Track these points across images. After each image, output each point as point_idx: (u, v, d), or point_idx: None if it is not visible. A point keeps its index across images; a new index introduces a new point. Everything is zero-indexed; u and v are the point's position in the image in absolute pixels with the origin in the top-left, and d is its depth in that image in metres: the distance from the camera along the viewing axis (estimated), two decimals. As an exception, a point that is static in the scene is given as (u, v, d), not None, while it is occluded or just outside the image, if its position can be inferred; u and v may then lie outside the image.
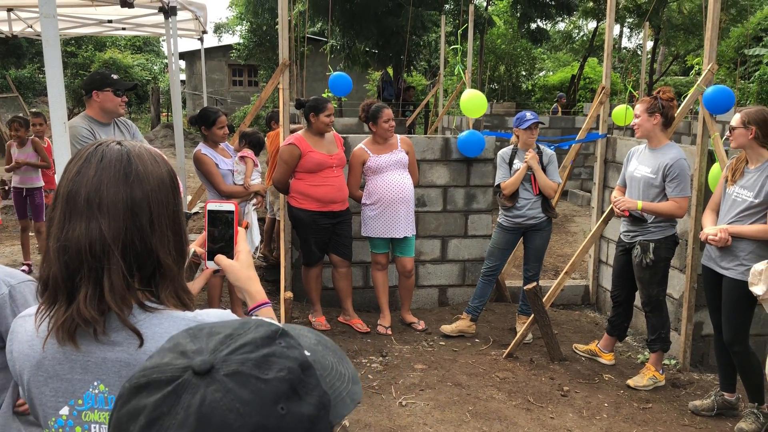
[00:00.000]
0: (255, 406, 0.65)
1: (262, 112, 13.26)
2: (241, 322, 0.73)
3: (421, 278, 6.02)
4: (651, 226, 4.38)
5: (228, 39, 29.46)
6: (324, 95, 5.71)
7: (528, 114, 5.17)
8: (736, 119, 3.79)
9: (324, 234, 5.18)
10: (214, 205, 1.50)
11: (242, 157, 5.29)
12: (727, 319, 3.89)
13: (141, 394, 0.68)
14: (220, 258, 1.47)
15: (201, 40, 7.95)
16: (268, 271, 6.61)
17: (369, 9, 14.20)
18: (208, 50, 17.37)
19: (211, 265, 1.49)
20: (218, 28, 30.41)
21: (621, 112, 6.94)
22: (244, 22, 20.10)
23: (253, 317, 1.44)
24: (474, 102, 6.09)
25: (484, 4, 17.45)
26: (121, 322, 1.15)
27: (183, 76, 25.70)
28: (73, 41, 21.66)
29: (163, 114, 22.30)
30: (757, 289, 3.59)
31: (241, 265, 1.47)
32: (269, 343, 0.69)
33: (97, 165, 1.18)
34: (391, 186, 5.13)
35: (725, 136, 4.63)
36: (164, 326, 1.18)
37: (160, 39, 30.02)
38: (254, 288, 1.46)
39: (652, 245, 4.36)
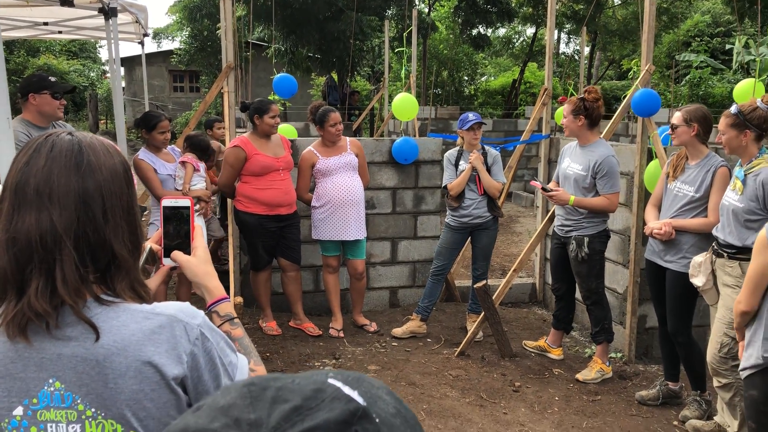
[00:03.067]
0: None
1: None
2: (314, 389, 0.58)
3: (372, 280, 6.02)
4: (584, 221, 4.51)
5: (167, 45, 28.94)
6: (270, 98, 5.66)
7: (470, 115, 5.26)
8: (677, 117, 3.91)
9: (271, 238, 5.12)
10: (170, 201, 1.48)
11: (183, 162, 5.19)
12: (671, 310, 4.02)
13: None
14: (177, 254, 1.44)
15: (142, 43, 7.76)
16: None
17: (310, 14, 14.17)
18: (147, 56, 17.02)
19: (167, 263, 1.46)
20: (157, 35, 29.81)
21: (561, 113, 7.10)
22: (185, 27, 19.77)
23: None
24: (405, 105, 6.13)
25: (426, 9, 17.63)
26: (76, 316, 1.12)
27: (122, 83, 25.07)
28: (3, 46, 20.86)
29: (102, 121, 21.71)
30: (697, 281, 3.72)
31: (199, 261, 1.44)
32: (344, 429, 0.54)
33: (47, 155, 1.15)
34: (341, 188, 5.12)
35: (663, 135, 4.80)
36: (121, 319, 1.15)
37: (97, 45, 29.23)
38: (212, 283, 1.44)
39: (586, 239, 4.49)
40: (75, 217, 1.13)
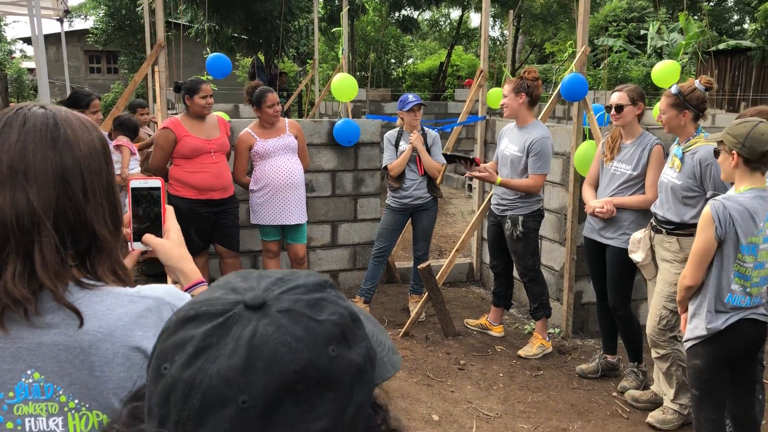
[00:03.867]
0: (307, 343, 0.64)
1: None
2: (291, 270, 0.73)
3: (312, 264, 5.95)
4: (518, 201, 4.62)
5: (80, 24, 27.56)
6: (203, 78, 5.46)
7: (410, 96, 5.26)
8: (622, 98, 3.98)
9: (204, 223, 4.97)
10: (138, 182, 1.40)
11: (117, 146, 4.96)
12: (612, 286, 4.14)
13: (189, 326, 0.66)
14: (149, 237, 1.37)
15: (61, 20, 7.34)
16: (148, 265, 6.27)
17: (236, -8, 13.78)
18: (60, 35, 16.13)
19: (138, 246, 1.38)
20: (68, 13, 28.34)
21: (494, 95, 7.18)
22: (101, 5, 18.84)
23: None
24: (345, 85, 6.02)
25: (354, -9, 17.47)
26: (57, 301, 1.03)
27: (31, 64, 23.75)
28: None
29: (12, 103, 20.51)
30: (636, 256, 3.85)
31: (173, 244, 1.38)
32: (320, 289, 0.70)
33: (20, 129, 1.06)
34: (280, 171, 5.01)
35: (599, 114, 4.93)
36: (106, 304, 1.07)
37: (1, 22, 27.48)
38: (188, 266, 1.37)
39: (520, 218, 4.60)
40: (54, 196, 1.05)
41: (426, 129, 5.34)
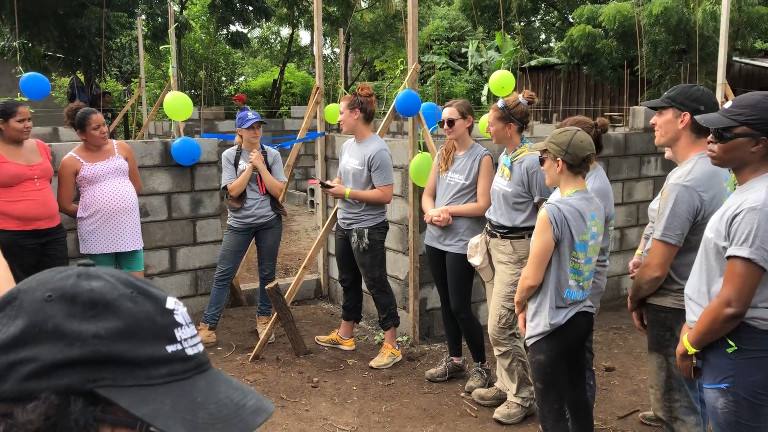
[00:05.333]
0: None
1: None
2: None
3: (151, 292, 5.63)
4: (363, 214, 4.73)
5: None
6: (18, 99, 5.02)
7: (250, 113, 5.18)
8: (452, 113, 4.20)
9: (30, 256, 4.55)
10: None
11: None
12: (453, 290, 4.33)
13: None
14: None
15: None
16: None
17: (47, 7, 12.80)
18: None
19: None
20: None
21: (331, 111, 7.26)
22: None
23: None
24: (178, 104, 5.77)
25: (178, 8, 16.93)
26: None
27: None
28: None
29: None
30: (474, 260, 4.06)
31: None
32: (128, 285, 0.76)
33: None
34: (111, 196, 4.71)
35: (432, 128, 5.15)
36: None
37: None
38: None
39: (366, 231, 4.70)
40: None
41: (266, 147, 5.29)
